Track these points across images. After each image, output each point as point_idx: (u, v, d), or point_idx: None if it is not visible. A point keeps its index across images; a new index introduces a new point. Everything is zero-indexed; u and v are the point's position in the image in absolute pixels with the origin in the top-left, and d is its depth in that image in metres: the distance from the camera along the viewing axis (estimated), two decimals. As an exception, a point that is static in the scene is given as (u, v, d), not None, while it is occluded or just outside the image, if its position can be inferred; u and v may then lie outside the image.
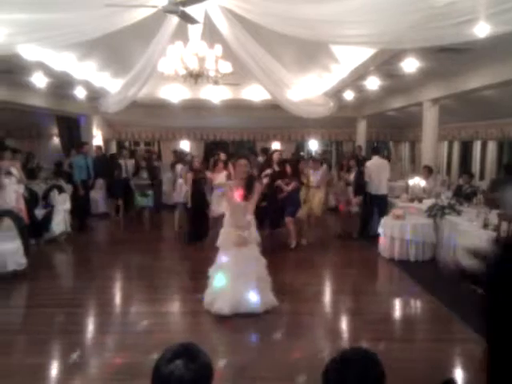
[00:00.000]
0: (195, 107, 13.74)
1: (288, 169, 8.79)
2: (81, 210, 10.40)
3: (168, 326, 5.30)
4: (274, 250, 8.12)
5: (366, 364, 1.67)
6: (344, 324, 5.57)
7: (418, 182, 9.26)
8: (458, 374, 4.29)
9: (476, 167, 12.20)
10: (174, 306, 6.16)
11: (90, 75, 9.55)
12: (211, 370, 1.62)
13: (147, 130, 16.25)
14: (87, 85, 9.99)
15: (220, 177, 9.12)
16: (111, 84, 10.20)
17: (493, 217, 6.59)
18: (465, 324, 5.16)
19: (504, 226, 6.14)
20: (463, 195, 8.42)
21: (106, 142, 15.82)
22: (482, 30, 3.85)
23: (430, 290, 6.27)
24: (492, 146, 11.59)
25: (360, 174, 9.35)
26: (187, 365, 1.54)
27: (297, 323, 5.40)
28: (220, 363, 4.13)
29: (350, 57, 8.01)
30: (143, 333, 4.98)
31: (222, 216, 9.03)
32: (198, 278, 6.96)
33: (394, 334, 5.13)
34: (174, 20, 6.23)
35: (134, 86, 8.35)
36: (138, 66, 7.72)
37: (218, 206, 9.02)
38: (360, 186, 9.28)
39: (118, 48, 8.31)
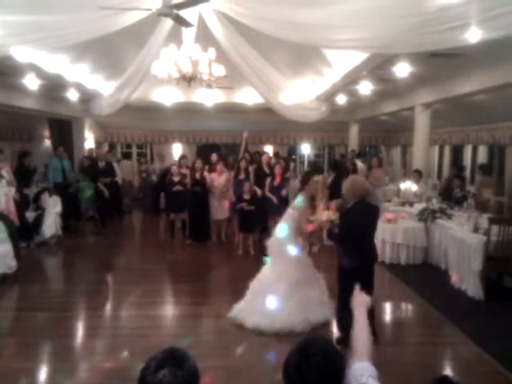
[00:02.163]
0: (188, 110, 13.74)
1: (278, 170, 8.86)
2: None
3: (159, 329, 5.27)
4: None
5: (328, 355, 1.62)
6: (333, 327, 5.58)
7: (409, 186, 9.32)
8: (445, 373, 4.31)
9: (467, 171, 12.30)
10: (166, 310, 6.15)
11: (83, 77, 9.51)
12: (199, 375, 1.57)
13: (139, 133, 16.20)
14: (80, 87, 9.95)
15: (220, 179, 9.17)
16: (104, 86, 10.17)
17: (483, 221, 6.65)
18: (455, 327, 5.20)
19: (494, 229, 6.20)
20: (454, 199, 8.48)
21: (98, 144, 15.75)
22: (474, 35, 3.88)
23: (421, 294, 6.30)
24: (482, 151, 11.69)
25: (335, 179, 9.19)
26: (175, 372, 1.49)
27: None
28: (213, 366, 4.11)
29: (342, 61, 8.05)
30: (134, 336, 4.95)
31: (223, 220, 9.21)
32: (191, 281, 7.00)
33: (386, 338, 5.14)
34: (168, 23, 6.23)
35: (127, 88, 8.32)
36: (132, 68, 7.70)
37: (219, 209, 9.10)
38: (335, 190, 9.12)
39: (111, 50, 8.29)
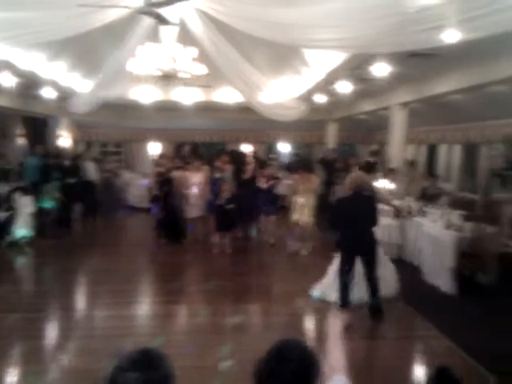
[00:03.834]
0: (166, 109, 13.67)
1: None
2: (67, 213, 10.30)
3: (133, 329, 5.24)
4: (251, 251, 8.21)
5: (303, 361, 1.60)
6: (312, 323, 5.68)
7: (384, 184, 9.47)
8: (422, 370, 4.43)
9: (441, 170, 12.57)
10: (140, 309, 6.08)
11: (60, 75, 9.40)
12: (173, 376, 1.49)
13: (117, 132, 16.05)
14: (56, 85, 9.82)
15: (196, 177, 9.14)
16: (81, 84, 10.07)
17: (455, 217, 6.83)
18: (428, 322, 5.35)
19: (467, 226, 6.38)
20: (428, 197, 8.67)
21: (75, 143, 15.55)
22: (452, 36, 3.98)
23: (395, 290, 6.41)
24: (457, 150, 11.96)
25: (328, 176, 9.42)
26: (147, 373, 1.41)
27: (265, 322, 5.49)
28: (188, 366, 4.13)
29: (321, 61, 8.14)
30: (107, 337, 4.91)
31: (198, 218, 9.21)
32: (165, 281, 6.98)
33: (361, 333, 5.25)
34: (148, 21, 6.22)
35: (104, 86, 8.28)
36: (110, 66, 7.66)
37: (194, 207, 9.08)
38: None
39: (89, 48, 8.21)
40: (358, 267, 5.54)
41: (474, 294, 6.23)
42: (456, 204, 8.24)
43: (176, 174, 9.23)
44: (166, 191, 9.14)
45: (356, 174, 6.05)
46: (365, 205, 5.51)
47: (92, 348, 4.64)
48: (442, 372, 1.66)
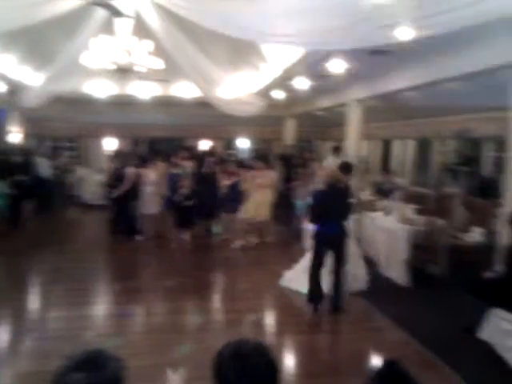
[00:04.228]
0: (122, 103, 13.38)
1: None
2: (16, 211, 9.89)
3: (88, 330, 5.07)
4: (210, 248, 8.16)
5: (257, 357, 1.57)
6: (270, 319, 5.72)
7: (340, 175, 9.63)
8: (378, 362, 4.55)
9: (395, 165, 12.92)
10: (95, 309, 5.89)
11: (9, 68, 9.02)
12: (120, 379, 1.45)
13: (71, 127, 15.54)
14: (5, 78, 9.42)
15: (152, 173, 8.99)
16: (33, 78, 9.70)
17: (409, 211, 7.04)
18: (383, 313, 5.49)
19: (420, 219, 6.59)
20: (383, 191, 8.89)
21: (26, 138, 14.97)
22: (407, 33, 4.08)
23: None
24: (410, 145, 12.33)
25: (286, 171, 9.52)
26: (92, 376, 1.37)
27: (224, 319, 5.49)
28: (145, 365, 4.09)
29: (279, 56, 8.17)
30: (61, 338, 4.75)
31: (155, 214, 9.07)
32: (122, 279, 6.84)
33: (317, 326, 5.35)
34: (101, 13, 6.06)
35: (57, 79, 8.02)
36: (62, 59, 7.43)
37: (150, 203, 8.94)
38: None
39: (41, 41, 7.92)
40: (329, 261, 5.66)
41: (427, 286, 6.46)
42: (409, 198, 8.48)
43: (130, 170, 9.01)
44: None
45: (331, 169, 6.22)
46: (339, 198, 5.62)
47: (45, 350, 4.48)
48: (390, 366, 1.69)
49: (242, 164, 9.81)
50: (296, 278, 6.27)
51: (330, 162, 9.92)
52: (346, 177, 6.11)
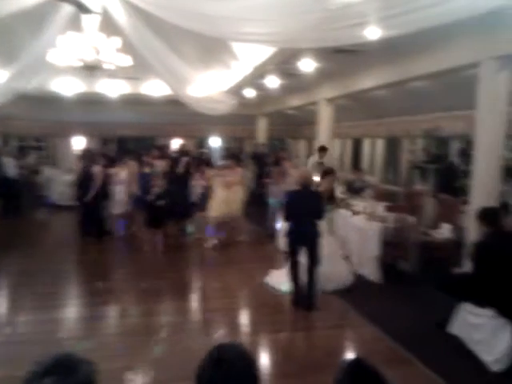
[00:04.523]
0: (91, 101, 13.13)
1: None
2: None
3: (58, 333, 4.93)
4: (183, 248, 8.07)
5: (238, 361, 1.58)
6: (245, 318, 5.70)
7: (313, 177, 9.69)
8: (351, 357, 4.59)
9: (366, 163, 13.10)
10: (66, 312, 5.71)
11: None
12: (93, 382, 1.44)
13: (38, 125, 15.13)
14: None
15: (121, 173, 8.84)
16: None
17: (379, 209, 7.13)
18: (356, 310, 5.54)
19: (390, 216, 6.68)
20: (354, 189, 8.98)
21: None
22: (374, 32, 4.13)
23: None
24: (380, 144, 12.52)
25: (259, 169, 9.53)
26: (62, 380, 1.35)
27: (198, 320, 5.44)
28: (117, 368, 4.02)
29: (250, 55, 8.16)
30: (30, 342, 4.59)
31: (126, 214, 8.92)
32: (93, 281, 6.69)
33: (292, 325, 5.35)
34: (68, 9, 5.91)
35: (22, 77, 7.78)
36: (28, 56, 7.21)
37: (119, 203, 8.80)
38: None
39: (5, 37, 7.67)
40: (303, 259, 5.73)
41: (398, 282, 6.55)
42: (380, 196, 8.60)
43: (97, 168, 8.81)
44: (88, 187, 8.72)
45: (304, 170, 6.38)
46: (311, 199, 5.71)
47: (13, 355, 4.32)
48: (357, 363, 1.69)
49: (204, 162, 9.75)
50: (279, 276, 6.33)
51: (316, 161, 10.03)
52: (326, 180, 6.54)
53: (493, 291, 4.15)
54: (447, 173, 9.31)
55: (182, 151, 10.83)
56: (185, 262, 7.87)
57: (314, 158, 10.20)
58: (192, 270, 7.46)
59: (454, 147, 9.88)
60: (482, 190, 5.43)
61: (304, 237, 5.64)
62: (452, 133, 9.36)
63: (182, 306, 5.88)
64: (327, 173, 6.67)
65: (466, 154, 9.39)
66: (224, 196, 8.49)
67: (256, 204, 10.48)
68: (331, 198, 6.75)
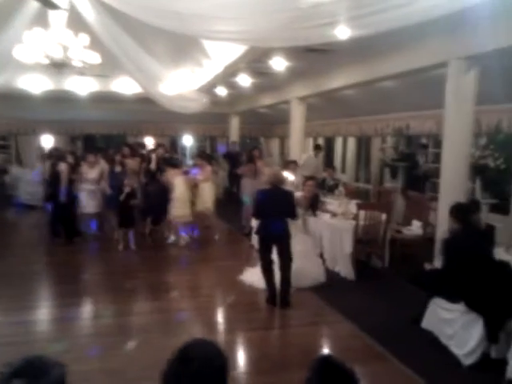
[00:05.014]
0: (59, 99, 12.81)
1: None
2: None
3: (30, 335, 4.81)
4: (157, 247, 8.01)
5: (206, 359, 1.58)
6: (220, 316, 5.68)
7: (286, 176, 9.71)
8: (326, 352, 4.62)
9: (338, 162, 13.24)
10: (37, 314, 5.54)
11: None
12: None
13: (3, 123, 14.65)
14: None
15: (91, 172, 8.64)
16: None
17: (352, 206, 7.21)
18: (331, 307, 5.58)
19: (362, 214, 6.76)
20: (327, 188, 9.06)
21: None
22: (344, 32, 4.16)
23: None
24: (351, 142, 12.66)
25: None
26: (32, 382, 1.33)
27: (173, 319, 5.38)
28: (91, 369, 3.96)
29: (221, 53, 8.11)
30: (1, 345, 4.45)
31: (96, 214, 8.74)
32: (64, 282, 6.55)
33: (268, 322, 5.36)
34: (34, 4, 5.74)
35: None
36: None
37: (90, 202, 8.61)
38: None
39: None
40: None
41: (371, 278, 6.64)
42: (351, 194, 8.69)
43: (62, 166, 8.57)
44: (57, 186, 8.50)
45: (275, 169, 6.45)
46: (281, 198, 5.71)
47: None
48: (325, 361, 1.71)
49: (168, 161, 9.59)
50: (254, 273, 6.31)
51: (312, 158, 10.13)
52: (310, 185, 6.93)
53: (462, 286, 4.24)
54: (413, 170, 9.58)
55: (153, 149, 10.74)
56: (159, 261, 7.77)
57: (309, 155, 10.29)
58: (166, 269, 7.38)
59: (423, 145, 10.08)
60: (450, 187, 5.55)
61: (273, 235, 5.64)
62: (421, 132, 9.54)
63: (156, 306, 5.81)
64: (310, 178, 6.79)
65: (425, 147, 9.67)
66: (187, 195, 8.42)
67: (230, 202, 10.46)
68: (315, 203, 7.14)
